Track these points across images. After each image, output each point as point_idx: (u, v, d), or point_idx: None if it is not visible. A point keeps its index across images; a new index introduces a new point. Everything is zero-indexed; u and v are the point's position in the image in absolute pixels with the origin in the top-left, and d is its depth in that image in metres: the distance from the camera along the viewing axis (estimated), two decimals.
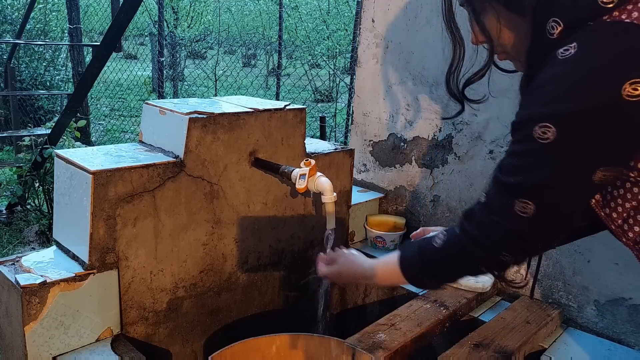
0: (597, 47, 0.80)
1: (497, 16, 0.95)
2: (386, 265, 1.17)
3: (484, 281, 1.75)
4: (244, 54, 13.91)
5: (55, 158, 1.43)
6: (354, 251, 1.31)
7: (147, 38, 11.99)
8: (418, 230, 1.34)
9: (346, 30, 7.64)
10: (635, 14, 0.79)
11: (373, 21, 2.10)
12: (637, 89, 0.76)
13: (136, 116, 8.11)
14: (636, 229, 0.90)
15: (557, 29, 0.85)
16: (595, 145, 0.81)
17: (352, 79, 5.09)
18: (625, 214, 0.90)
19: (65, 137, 3.92)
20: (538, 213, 0.86)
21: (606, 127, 0.80)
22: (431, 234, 1.12)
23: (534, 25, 0.89)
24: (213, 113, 1.50)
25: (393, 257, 1.13)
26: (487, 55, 1.00)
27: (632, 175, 0.85)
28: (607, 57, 0.79)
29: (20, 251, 3.52)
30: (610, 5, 0.80)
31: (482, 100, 1.15)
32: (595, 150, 0.81)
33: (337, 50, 7.73)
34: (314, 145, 1.90)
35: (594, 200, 0.93)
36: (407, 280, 1.10)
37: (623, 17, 0.79)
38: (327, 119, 5.11)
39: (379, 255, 1.94)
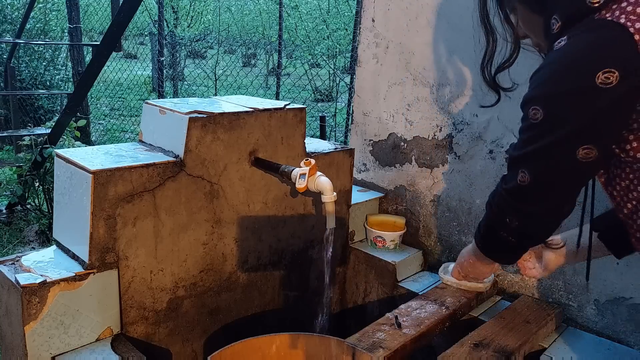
0: (578, 39, 0.92)
1: (523, 15, 1.10)
2: (472, 248, 1.42)
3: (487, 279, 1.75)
4: (244, 53, 13.90)
5: (55, 158, 1.43)
6: None
7: (147, 37, 11.98)
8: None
9: (346, 29, 7.64)
10: (617, 13, 0.89)
11: (373, 21, 2.10)
12: (609, 78, 0.87)
13: (136, 116, 8.11)
14: (629, 205, 1.02)
15: (556, 25, 0.98)
16: (574, 124, 0.94)
17: (352, 78, 5.09)
18: (622, 192, 1.02)
19: (65, 137, 3.92)
20: (532, 182, 1.02)
21: (583, 109, 0.92)
22: None
23: (545, 22, 1.03)
24: (213, 112, 1.50)
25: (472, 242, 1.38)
26: (511, 46, 1.14)
27: (623, 156, 0.97)
28: (583, 48, 0.92)
29: (20, 251, 3.52)
30: (597, 5, 0.91)
31: (512, 88, 1.25)
32: (574, 129, 0.94)
33: (337, 50, 7.73)
34: (314, 144, 1.90)
35: (602, 180, 1.07)
36: (485, 254, 1.32)
37: (607, 15, 0.90)
38: (327, 118, 5.11)
39: (380, 255, 1.96)
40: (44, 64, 6.66)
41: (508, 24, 1.12)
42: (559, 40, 0.95)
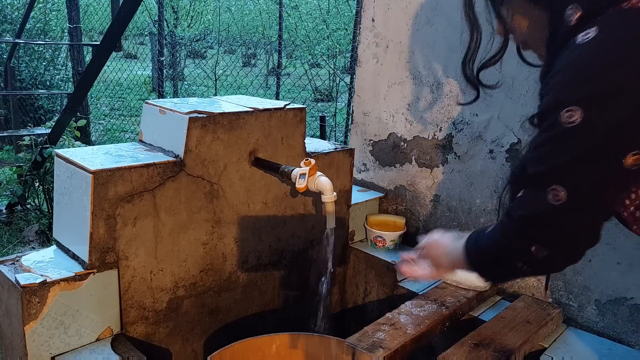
0: (619, 31, 0.82)
1: (515, 7, 0.99)
2: (457, 256, 1.14)
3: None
4: (244, 53, 13.90)
5: (55, 157, 1.43)
6: (435, 236, 1.23)
7: (147, 37, 11.99)
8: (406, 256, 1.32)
9: (346, 29, 7.64)
10: None
11: (373, 20, 2.10)
12: None
13: (136, 116, 8.11)
14: None
15: (576, 14, 0.87)
16: (622, 127, 0.81)
17: (352, 78, 5.09)
18: (638, 201, 0.89)
19: (65, 137, 3.92)
20: (570, 198, 0.85)
21: (632, 109, 0.80)
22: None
23: (552, 14, 0.92)
24: (213, 112, 1.50)
25: (460, 247, 1.11)
26: (500, 42, 1.03)
27: None
28: (629, 41, 0.81)
29: (20, 251, 3.52)
30: None
31: (496, 85, 1.16)
32: (623, 132, 0.81)
33: (337, 50, 7.73)
34: (314, 144, 1.90)
35: None
36: (477, 272, 1.09)
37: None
38: (327, 118, 5.11)
39: (380, 255, 1.96)
40: (44, 64, 6.66)
41: (498, 17, 1.02)
42: (584, 33, 0.84)
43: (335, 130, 6.14)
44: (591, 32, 0.83)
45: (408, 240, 2.06)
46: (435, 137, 1.96)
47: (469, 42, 1.08)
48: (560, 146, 0.85)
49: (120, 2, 3.38)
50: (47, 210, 3.90)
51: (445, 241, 1.20)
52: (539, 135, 0.90)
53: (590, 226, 0.89)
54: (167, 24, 9.14)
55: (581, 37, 0.84)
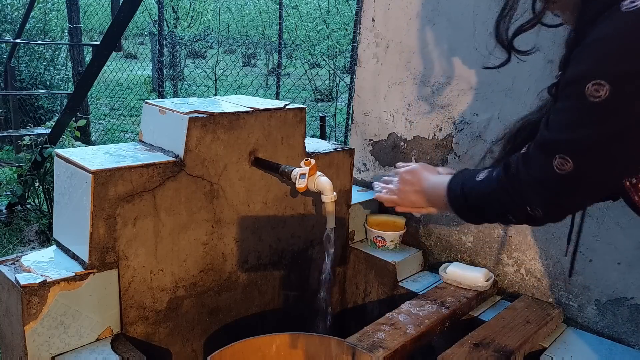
0: None
1: None
2: (436, 192, 1.14)
3: (486, 277, 1.75)
4: (244, 53, 13.91)
5: (55, 157, 1.43)
6: (416, 165, 1.25)
7: (147, 37, 11.99)
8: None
9: (346, 29, 7.64)
10: None
11: (373, 20, 2.10)
12: None
13: (136, 115, 8.11)
14: None
15: None
16: None
17: (352, 78, 5.09)
18: None
19: (65, 137, 3.92)
20: (575, 172, 0.83)
21: None
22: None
23: None
24: (213, 112, 1.50)
25: (442, 184, 1.10)
26: (541, 2, 0.94)
27: None
28: None
29: (20, 251, 3.52)
30: None
31: (531, 51, 1.08)
32: None
33: (337, 50, 7.73)
34: (314, 144, 1.90)
35: None
36: (454, 212, 1.09)
37: None
38: (327, 118, 5.11)
39: (380, 255, 1.96)
40: (44, 64, 6.67)
41: None
42: (631, 0, 0.76)
43: (335, 130, 6.14)
44: (638, 1, 0.75)
45: (408, 241, 2.06)
46: (435, 137, 1.96)
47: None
48: (579, 119, 0.81)
49: (120, 2, 3.38)
50: (47, 210, 3.90)
51: (426, 174, 1.20)
52: (561, 100, 0.86)
53: (587, 200, 0.89)
54: (167, 24, 9.14)
55: (627, 5, 0.76)
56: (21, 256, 1.37)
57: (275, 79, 6.53)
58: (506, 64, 1.07)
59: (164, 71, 6.78)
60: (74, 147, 3.57)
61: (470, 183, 1.04)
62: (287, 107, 1.68)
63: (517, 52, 1.04)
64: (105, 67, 4.35)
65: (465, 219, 1.11)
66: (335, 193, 1.48)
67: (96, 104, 8.57)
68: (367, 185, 2.21)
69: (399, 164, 1.35)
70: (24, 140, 4.16)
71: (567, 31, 0.97)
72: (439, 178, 1.16)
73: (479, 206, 1.03)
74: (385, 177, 1.35)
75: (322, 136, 4.13)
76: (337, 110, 6.62)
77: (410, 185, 1.24)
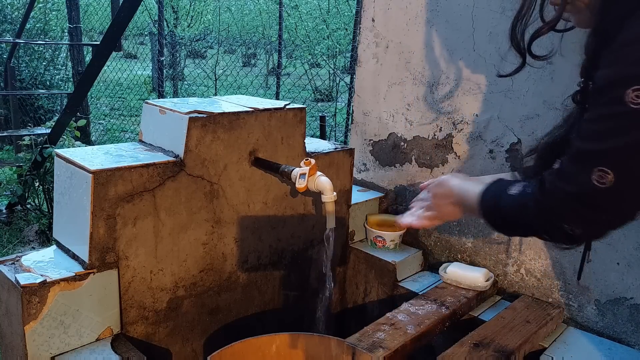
0: None
1: None
2: (469, 201, 1.08)
3: (486, 277, 1.75)
4: (244, 53, 13.91)
5: (55, 157, 1.43)
6: (445, 177, 1.18)
7: (147, 37, 11.99)
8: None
9: (346, 29, 7.64)
10: None
11: (373, 20, 2.10)
12: None
13: (136, 115, 8.11)
14: None
15: None
16: None
17: (352, 78, 5.09)
18: None
19: (65, 137, 3.93)
20: (617, 184, 0.78)
21: None
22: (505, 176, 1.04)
23: None
24: (213, 112, 1.50)
25: (474, 195, 1.04)
26: (561, 3, 0.89)
27: None
28: None
29: (20, 250, 3.52)
30: None
31: (548, 55, 1.03)
32: None
33: (337, 50, 7.73)
34: (314, 144, 1.90)
35: None
36: (488, 225, 1.03)
37: None
38: (327, 118, 5.11)
39: (380, 255, 1.96)
40: (44, 63, 6.66)
41: None
42: None
43: (335, 130, 6.14)
44: None
45: (408, 241, 2.06)
46: (435, 137, 1.96)
47: (522, 1, 0.95)
48: (619, 127, 0.76)
49: (120, 2, 3.38)
50: (47, 210, 3.90)
51: (454, 181, 1.14)
52: (596, 107, 0.80)
53: (630, 213, 0.83)
54: (167, 24, 9.14)
55: None
56: (21, 256, 1.37)
57: (275, 79, 6.53)
58: (521, 70, 1.03)
59: (164, 71, 6.78)
60: (74, 147, 3.57)
61: (505, 199, 0.97)
62: (287, 107, 1.68)
63: (534, 57, 0.99)
64: (105, 67, 4.35)
65: (499, 231, 1.07)
66: (335, 193, 1.48)
67: (96, 104, 8.57)
68: (367, 185, 2.21)
69: (425, 183, 1.29)
70: (24, 140, 4.16)
71: (575, 35, 0.94)
72: (470, 186, 1.09)
73: (516, 223, 0.97)
74: (413, 203, 1.29)
75: (322, 136, 4.13)
76: (337, 110, 6.63)
77: (445, 198, 1.17)
